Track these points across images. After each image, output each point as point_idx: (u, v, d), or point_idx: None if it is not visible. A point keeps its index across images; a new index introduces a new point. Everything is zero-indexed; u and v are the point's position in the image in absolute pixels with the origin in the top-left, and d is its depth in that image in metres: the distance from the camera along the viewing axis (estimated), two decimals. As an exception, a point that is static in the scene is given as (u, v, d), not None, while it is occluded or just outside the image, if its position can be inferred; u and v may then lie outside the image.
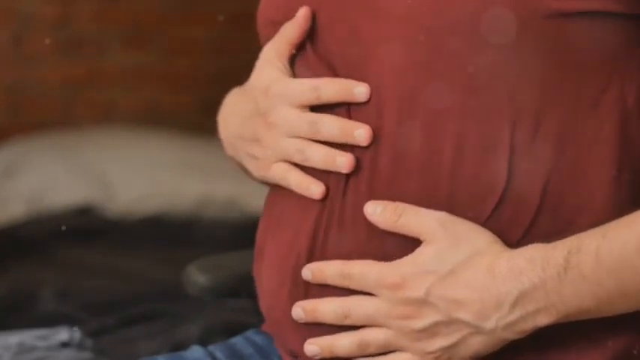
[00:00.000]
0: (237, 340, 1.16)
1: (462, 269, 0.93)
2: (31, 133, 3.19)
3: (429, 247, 0.95)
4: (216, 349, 1.13)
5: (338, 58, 1.00)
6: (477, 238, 0.94)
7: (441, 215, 0.95)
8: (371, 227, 0.97)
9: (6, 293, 2.29)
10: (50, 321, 1.96)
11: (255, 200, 2.80)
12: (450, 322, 0.94)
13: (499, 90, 0.94)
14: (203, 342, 1.51)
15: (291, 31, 1.03)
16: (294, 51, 1.04)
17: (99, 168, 3.00)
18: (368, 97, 0.97)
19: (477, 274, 0.93)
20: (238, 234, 2.63)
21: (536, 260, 0.92)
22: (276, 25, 1.05)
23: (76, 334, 1.81)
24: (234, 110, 1.13)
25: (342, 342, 0.98)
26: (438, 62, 0.94)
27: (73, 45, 3.34)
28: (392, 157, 0.97)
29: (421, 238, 0.95)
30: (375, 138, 0.97)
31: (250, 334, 1.16)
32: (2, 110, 3.29)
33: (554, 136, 0.94)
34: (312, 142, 0.99)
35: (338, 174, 0.98)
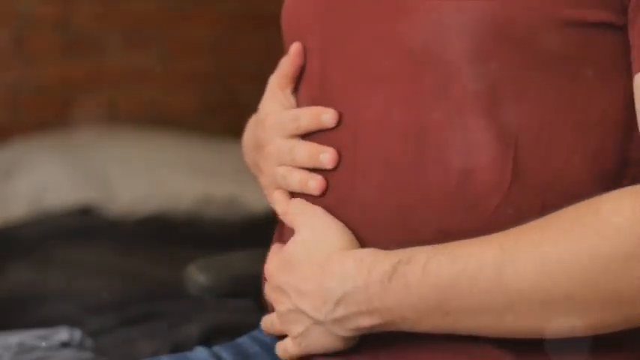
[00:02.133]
0: (243, 340, 1.17)
1: (308, 263, 0.98)
2: (31, 133, 3.19)
3: (295, 238, 1.01)
4: (221, 349, 1.14)
5: (338, 80, 1.02)
6: (333, 235, 0.98)
7: (314, 211, 1.01)
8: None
9: (6, 293, 2.28)
10: (50, 321, 1.96)
11: (255, 200, 2.80)
12: (297, 311, 0.99)
13: (506, 94, 0.94)
14: (203, 342, 1.51)
15: (286, 66, 1.08)
16: (292, 84, 1.09)
17: (99, 168, 3.00)
18: (335, 122, 1.01)
19: (316, 268, 0.97)
20: (238, 234, 2.63)
21: (365, 263, 0.94)
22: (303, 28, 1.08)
23: (76, 334, 1.81)
24: (246, 139, 1.19)
25: (270, 319, 1.06)
26: (450, 62, 0.95)
27: (73, 45, 3.34)
28: (397, 153, 0.98)
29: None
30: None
31: (256, 333, 1.17)
32: (2, 110, 3.29)
33: (559, 144, 0.94)
34: (293, 169, 1.04)
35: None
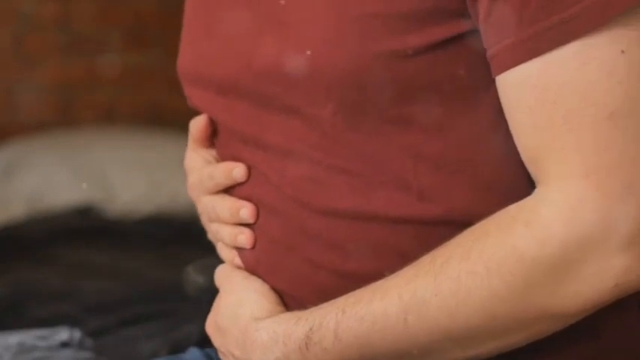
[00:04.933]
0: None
1: (233, 329, 1.00)
2: (31, 133, 3.19)
3: (222, 301, 1.04)
4: (213, 350, 1.14)
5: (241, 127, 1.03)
6: (251, 302, 1.00)
7: (237, 276, 1.04)
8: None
9: (6, 293, 2.28)
10: (50, 321, 1.97)
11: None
12: None
13: (398, 132, 0.94)
14: (202, 342, 1.51)
15: (194, 131, 1.10)
16: (206, 143, 1.10)
17: (99, 168, 3.00)
18: (246, 176, 1.03)
19: (239, 336, 0.99)
20: (238, 234, 2.63)
21: (279, 335, 0.96)
22: (193, 82, 1.11)
23: (76, 334, 1.81)
24: None
25: None
26: (325, 119, 0.95)
27: (73, 45, 3.34)
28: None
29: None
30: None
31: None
32: (2, 110, 3.29)
33: (456, 166, 0.94)
34: (223, 225, 1.06)
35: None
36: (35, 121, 3.29)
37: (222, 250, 1.09)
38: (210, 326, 1.06)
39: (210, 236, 1.12)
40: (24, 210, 2.88)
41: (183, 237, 2.73)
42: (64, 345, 1.75)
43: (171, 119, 3.40)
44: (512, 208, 0.89)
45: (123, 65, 3.39)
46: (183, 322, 2.03)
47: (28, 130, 3.22)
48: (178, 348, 1.81)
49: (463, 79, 0.92)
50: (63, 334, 1.77)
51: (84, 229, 2.73)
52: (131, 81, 3.41)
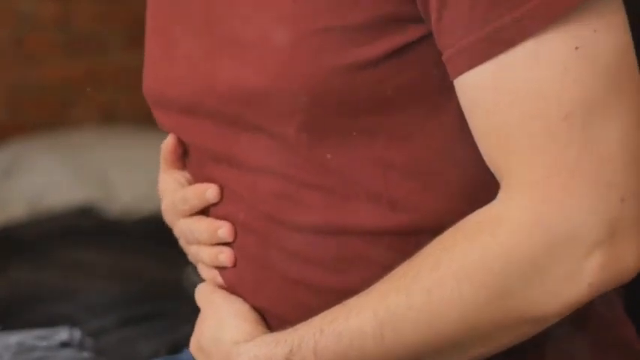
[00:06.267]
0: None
1: (216, 353, 0.99)
2: (31, 133, 3.19)
3: (204, 322, 1.02)
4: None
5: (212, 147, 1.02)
6: (231, 326, 0.99)
7: (218, 297, 1.02)
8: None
9: (6, 293, 2.29)
10: (50, 321, 1.97)
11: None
12: None
13: (365, 143, 0.93)
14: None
15: (165, 154, 1.10)
16: (178, 164, 1.10)
17: (99, 168, 3.00)
18: (218, 196, 1.02)
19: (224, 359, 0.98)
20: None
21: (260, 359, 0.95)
22: (159, 104, 1.09)
23: (76, 334, 1.81)
24: None
25: None
26: (292, 136, 0.94)
27: (73, 45, 3.34)
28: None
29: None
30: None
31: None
32: (2, 110, 3.29)
33: (426, 174, 0.93)
34: (202, 246, 1.06)
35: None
36: (35, 121, 3.29)
37: (203, 271, 1.08)
38: (194, 347, 1.04)
39: (191, 258, 1.11)
40: (24, 210, 2.88)
41: (183, 237, 2.73)
42: (64, 345, 1.75)
43: (171, 119, 3.40)
44: (478, 215, 0.88)
45: (123, 65, 3.39)
46: (183, 323, 2.03)
47: (28, 130, 3.22)
48: (178, 348, 1.81)
49: (425, 85, 0.91)
50: (63, 334, 1.77)
51: (84, 229, 2.73)
52: (131, 81, 3.41)
